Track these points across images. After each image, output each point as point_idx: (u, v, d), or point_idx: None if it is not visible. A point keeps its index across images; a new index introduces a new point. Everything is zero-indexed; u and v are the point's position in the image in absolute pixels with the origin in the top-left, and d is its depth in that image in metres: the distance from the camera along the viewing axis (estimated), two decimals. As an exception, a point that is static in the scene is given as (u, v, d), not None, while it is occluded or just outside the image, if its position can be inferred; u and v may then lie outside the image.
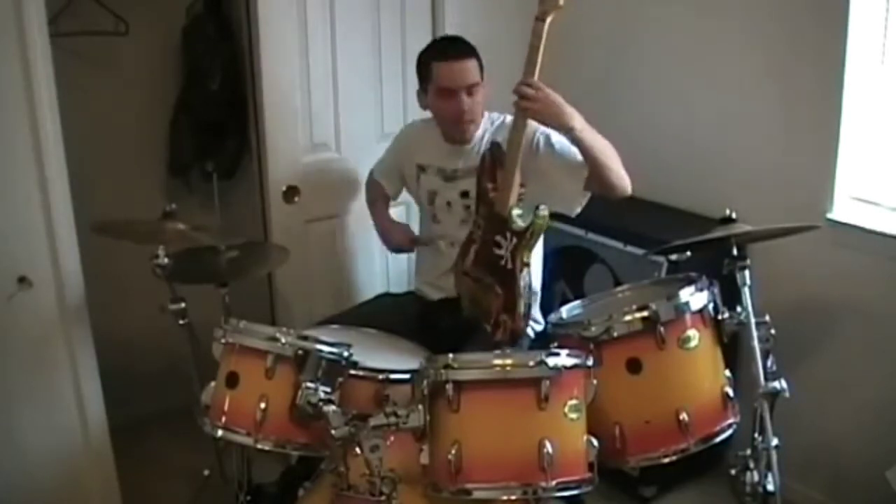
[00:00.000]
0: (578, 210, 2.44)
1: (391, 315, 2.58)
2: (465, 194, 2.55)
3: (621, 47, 3.18)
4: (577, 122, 2.27)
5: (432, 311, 2.64)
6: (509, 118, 2.51)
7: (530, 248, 2.22)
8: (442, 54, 2.51)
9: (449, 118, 2.54)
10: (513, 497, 1.75)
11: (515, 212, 2.23)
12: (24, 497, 2.50)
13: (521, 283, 2.22)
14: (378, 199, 2.88)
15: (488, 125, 2.60)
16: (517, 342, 2.30)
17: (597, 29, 3.23)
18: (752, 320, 2.03)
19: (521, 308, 2.22)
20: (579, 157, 2.33)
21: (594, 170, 2.32)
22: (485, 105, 2.56)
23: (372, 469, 1.78)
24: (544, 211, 2.17)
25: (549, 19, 2.23)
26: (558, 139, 2.40)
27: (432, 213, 2.67)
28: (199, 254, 2.50)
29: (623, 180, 2.35)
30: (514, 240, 2.22)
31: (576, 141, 2.29)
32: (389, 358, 2.14)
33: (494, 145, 2.40)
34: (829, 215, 2.61)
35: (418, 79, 2.60)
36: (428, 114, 2.68)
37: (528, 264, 2.23)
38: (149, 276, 2.35)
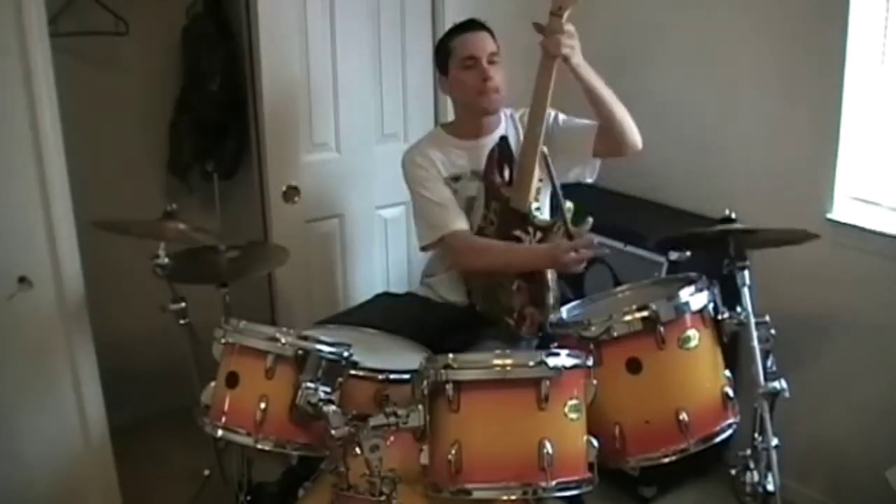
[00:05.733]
0: (591, 178, 2.51)
1: (392, 315, 2.57)
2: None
3: (621, 47, 3.18)
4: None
5: (433, 311, 2.64)
6: (518, 112, 2.55)
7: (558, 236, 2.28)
8: (459, 29, 2.56)
9: (474, 89, 2.49)
10: (513, 497, 1.75)
11: (534, 205, 2.29)
12: (23, 497, 2.50)
13: (550, 276, 2.26)
14: (489, 241, 2.48)
15: (505, 118, 2.60)
16: (543, 333, 2.33)
17: (597, 28, 3.23)
18: (752, 320, 2.03)
19: (551, 300, 2.26)
20: (584, 120, 2.45)
21: (603, 112, 2.40)
22: (504, 92, 2.51)
23: (372, 469, 1.78)
24: (570, 205, 2.24)
25: (566, 15, 2.25)
26: (564, 116, 2.51)
27: (469, 223, 2.54)
28: (200, 254, 2.50)
29: (633, 130, 2.43)
30: (539, 234, 2.27)
31: (581, 77, 2.36)
32: (389, 358, 2.14)
33: (503, 140, 2.43)
34: (829, 215, 2.61)
35: (438, 66, 2.60)
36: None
37: None
38: (149, 277, 2.35)
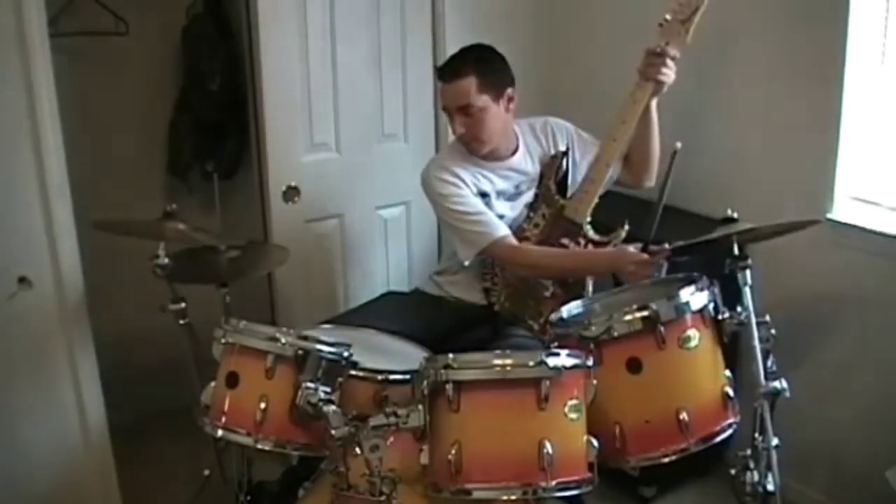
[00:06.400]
0: None
1: (401, 314, 2.58)
2: (528, 206, 2.57)
3: (618, 46, 3.17)
4: None
5: (445, 309, 2.64)
6: (536, 121, 2.60)
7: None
8: (439, 74, 2.50)
9: (457, 137, 2.52)
10: (513, 497, 1.75)
11: (588, 219, 2.39)
12: (24, 496, 2.51)
13: (590, 288, 2.29)
14: (524, 249, 2.46)
15: (525, 134, 2.61)
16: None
17: (593, 27, 3.23)
18: (753, 320, 2.03)
19: None
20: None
21: (650, 146, 2.53)
22: (503, 119, 2.49)
23: (372, 469, 1.78)
24: (627, 226, 2.35)
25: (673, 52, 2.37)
26: (585, 134, 2.64)
27: None
28: (200, 254, 2.50)
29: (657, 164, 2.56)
30: (589, 247, 2.37)
31: (653, 107, 2.46)
32: (389, 358, 2.14)
33: (568, 151, 2.52)
34: (829, 215, 2.61)
35: None
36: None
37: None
38: (149, 277, 2.36)
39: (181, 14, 3.23)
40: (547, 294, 2.41)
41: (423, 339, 2.30)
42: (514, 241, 2.45)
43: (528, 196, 2.56)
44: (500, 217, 2.50)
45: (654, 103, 2.47)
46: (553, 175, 2.51)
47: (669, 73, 2.38)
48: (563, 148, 2.59)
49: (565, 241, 2.40)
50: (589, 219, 2.42)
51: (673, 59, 2.36)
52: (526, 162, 2.58)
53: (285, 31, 2.86)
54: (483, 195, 2.51)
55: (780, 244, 2.33)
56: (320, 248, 3.12)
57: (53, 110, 2.37)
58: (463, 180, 2.48)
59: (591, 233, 2.41)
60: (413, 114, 3.20)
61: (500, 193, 2.54)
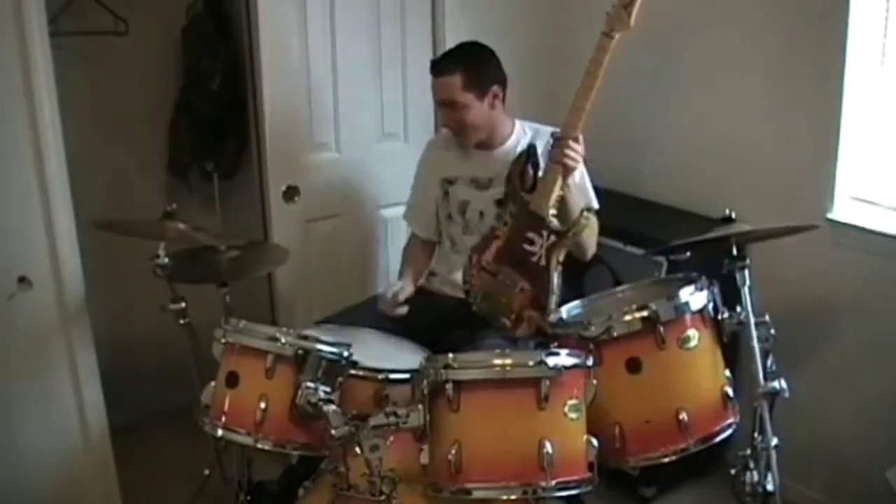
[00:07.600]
0: None
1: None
2: (499, 203, 2.57)
3: (618, 46, 3.17)
4: None
5: (431, 309, 2.64)
6: (545, 128, 2.59)
7: (567, 247, 2.34)
8: (430, 68, 2.60)
9: (444, 126, 2.64)
10: (513, 497, 1.76)
11: (551, 212, 2.36)
12: (23, 497, 2.50)
13: (556, 281, 2.30)
14: (407, 262, 2.79)
15: (522, 135, 2.64)
16: (541, 337, 2.35)
17: (593, 28, 3.23)
18: (752, 320, 2.03)
19: (553, 304, 2.29)
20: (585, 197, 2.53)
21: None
22: (486, 115, 2.55)
23: (372, 469, 1.78)
24: (588, 213, 2.33)
25: (616, 37, 2.33)
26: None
27: (463, 225, 2.65)
28: (200, 254, 2.50)
29: (591, 250, 2.56)
30: (552, 238, 2.33)
31: (571, 189, 2.43)
32: (389, 358, 2.14)
33: (531, 147, 2.50)
34: (829, 215, 2.61)
35: None
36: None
37: (561, 263, 2.32)
38: (149, 276, 2.36)
39: (181, 14, 3.23)
40: (516, 290, 2.42)
41: (422, 339, 2.31)
42: (413, 245, 2.82)
43: (497, 192, 2.59)
44: (465, 202, 2.63)
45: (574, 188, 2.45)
46: (518, 174, 2.50)
47: (573, 156, 2.35)
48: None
49: (531, 234, 2.40)
50: (553, 211, 2.39)
51: (575, 141, 2.34)
52: (508, 158, 2.58)
53: (285, 31, 2.86)
54: (450, 181, 2.67)
55: (780, 244, 2.34)
56: (320, 248, 3.12)
57: (53, 110, 2.37)
58: (435, 166, 2.72)
59: (554, 223, 2.39)
60: (413, 113, 3.20)
61: (472, 181, 2.64)
